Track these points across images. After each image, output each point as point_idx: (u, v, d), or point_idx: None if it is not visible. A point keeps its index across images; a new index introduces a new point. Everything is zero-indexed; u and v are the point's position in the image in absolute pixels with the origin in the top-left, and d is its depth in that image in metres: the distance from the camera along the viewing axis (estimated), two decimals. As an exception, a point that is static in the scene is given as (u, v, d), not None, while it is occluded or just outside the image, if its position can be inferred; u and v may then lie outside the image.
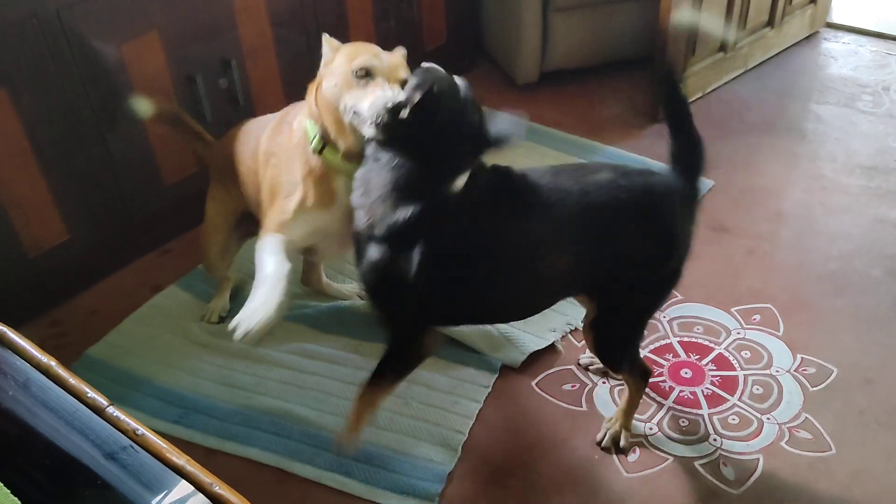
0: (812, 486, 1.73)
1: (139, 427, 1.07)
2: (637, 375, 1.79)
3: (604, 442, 1.83)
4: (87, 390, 1.13)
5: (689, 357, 2.05)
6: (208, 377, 2.04)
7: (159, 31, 2.23)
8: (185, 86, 2.35)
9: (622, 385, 1.98)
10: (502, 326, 2.10)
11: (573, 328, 2.13)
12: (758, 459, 1.79)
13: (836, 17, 3.60)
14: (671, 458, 1.81)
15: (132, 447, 1.05)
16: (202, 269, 2.37)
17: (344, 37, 2.76)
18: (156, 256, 2.47)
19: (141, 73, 2.24)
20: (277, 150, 1.77)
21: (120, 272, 2.41)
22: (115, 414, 1.09)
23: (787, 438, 1.84)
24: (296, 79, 2.65)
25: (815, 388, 1.95)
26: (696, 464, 1.79)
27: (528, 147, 2.86)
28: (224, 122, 2.49)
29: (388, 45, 2.91)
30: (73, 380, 1.15)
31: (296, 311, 2.20)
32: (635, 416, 1.88)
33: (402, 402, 1.94)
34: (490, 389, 1.98)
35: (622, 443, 1.82)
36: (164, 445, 1.04)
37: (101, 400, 1.12)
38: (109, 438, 1.06)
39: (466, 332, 2.06)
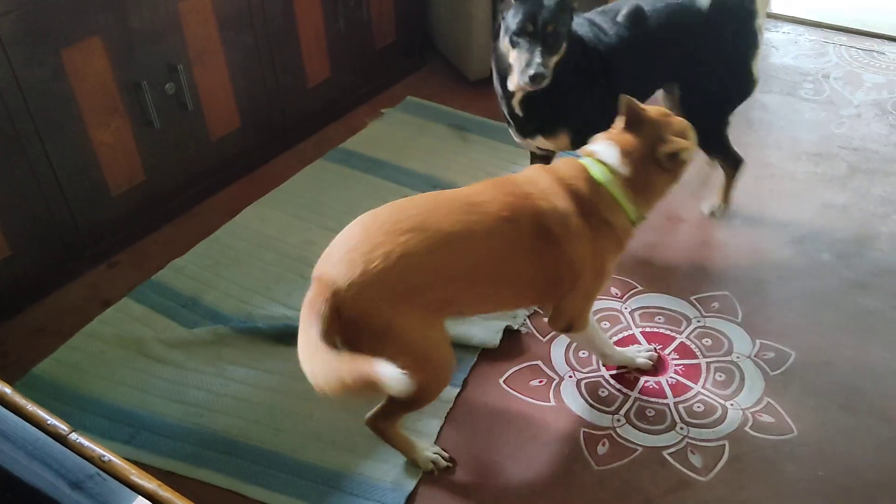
0: (777, 468, 1.77)
1: (105, 453, 1.02)
2: (729, 163, 2.42)
3: (708, 212, 2.48)
4: (47, 417, 1.07)
5: (653, 347, 2.08)
6: (161, 394, 1.97)
7: (101, 37, 2.15)
8: (130, 92, 2.27)
9: (589, 378, 2.00)
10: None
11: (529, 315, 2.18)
12: (724, 445, 1.83)
13: (776, 7, 3.70)
14: (640, 449, 1.83)
15: (99, 475, 1.00)
16: (156, 280, 2.30)
17: (293, 37, 2.74)
18: (105, 269, 2.39)
19: (83, 80, 2.15)
20: (602, 227, 1.71)
21: (66, 287, 2.32)
22: (78, 441, 1.04)
23: (750, 423, 1.87)
24: (244, 80, 2.60)
25: (775, 373, 1.99)
26: (665, 453, 1.82)
27: (481, 143, 2.87)
28: (173, 128, 2.43)
29: (338, 45, 2.89)
30: (30, 406, 1.09)
31: (249, 324, 2.14)
32: (603, 408, 1.90)
33: (360, 419, 1.89)
34: (453, 403, 1.97)
35: (719, 214, 2.48)
36: (133, 471, 1.00)
37: (63, 426, 1.06)
38: (74, 467, 1.01)
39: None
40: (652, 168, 1.72)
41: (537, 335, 2.12)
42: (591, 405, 1.93)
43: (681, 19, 2.17)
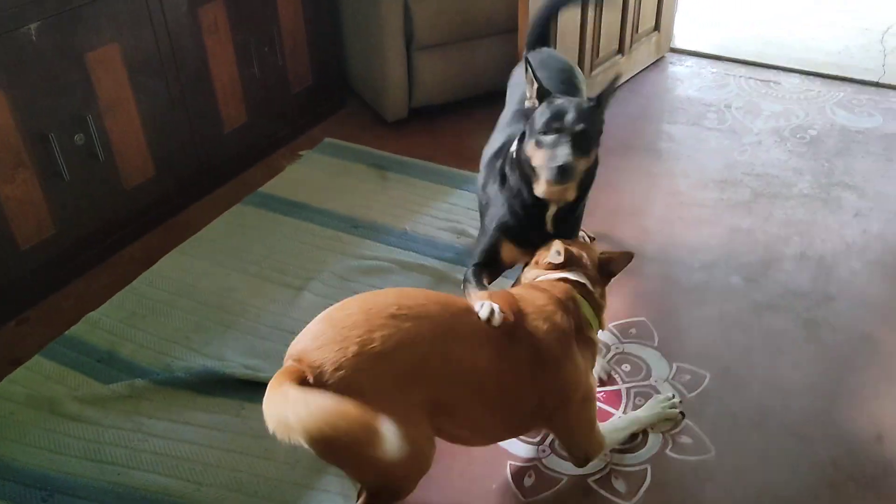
0: (697, 489, 1.82)
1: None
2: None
3: None
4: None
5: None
6: (76, 454, 1.90)
7: (4, 91, 2.10)
8: (37, 144, 2.22)
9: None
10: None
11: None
12: (646, 469, 1.87)
13: (679, 42, 3.89)
14: (565, 479, 1.85)
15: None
16: (70, 335, 2.22)
17: (207, 84, 2.73)
18: (14, 327, 2.30)
19: (-16, 134, 2.10)
20: (586, 346, 1.72)
21: (-27, 347, 2.23)
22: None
23: (670, 446, 1.92)
24: (158, 128, 2.57)
25: (691, 395, 2.06)
26: (590, 481, 1.84)
27: (400, 180, 2.90)
28: (84, 178, 2.38)
29: (253, 90, 2.89)
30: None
31: (167, 375, 2.09)
32: (528, 440, 1.93)
33: (287, 467, 1.86)
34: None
35: None
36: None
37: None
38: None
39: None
40: (602, 283, 1.84)
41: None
42: (516, 437, 1.95)
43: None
